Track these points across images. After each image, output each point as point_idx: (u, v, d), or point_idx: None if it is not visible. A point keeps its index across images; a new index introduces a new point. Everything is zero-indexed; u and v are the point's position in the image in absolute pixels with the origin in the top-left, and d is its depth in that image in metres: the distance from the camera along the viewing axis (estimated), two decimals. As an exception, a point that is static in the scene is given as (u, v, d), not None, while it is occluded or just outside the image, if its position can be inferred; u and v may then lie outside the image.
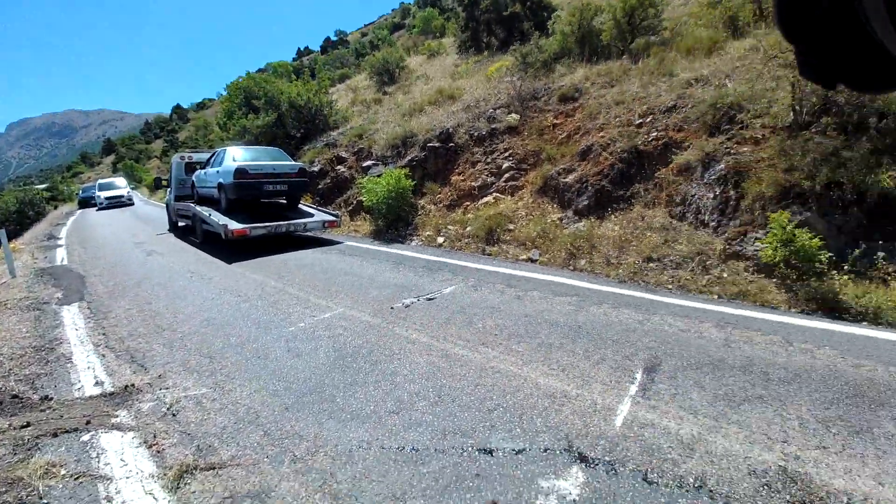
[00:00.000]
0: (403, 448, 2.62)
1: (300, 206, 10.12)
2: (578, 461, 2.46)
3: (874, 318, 3.81)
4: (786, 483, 2.24)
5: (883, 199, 4.36)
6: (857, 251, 4.22)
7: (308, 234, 9.78)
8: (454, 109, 11.45)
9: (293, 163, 9.75)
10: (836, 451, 2.41)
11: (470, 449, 2.60)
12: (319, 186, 12.20)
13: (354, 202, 10.80)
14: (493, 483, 2.34)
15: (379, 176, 9.47)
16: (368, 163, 11.30)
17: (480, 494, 2.27)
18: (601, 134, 7.76)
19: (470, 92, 12.34)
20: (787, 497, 2.17)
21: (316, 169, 12.58)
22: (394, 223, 8.96)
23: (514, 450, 2.57)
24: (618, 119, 7.83)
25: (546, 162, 8.01)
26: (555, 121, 9.14)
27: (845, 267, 4.21)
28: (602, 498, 2.22)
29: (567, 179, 7.40)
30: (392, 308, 4.79)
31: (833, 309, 3.98)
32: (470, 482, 2.35)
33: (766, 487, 2.22)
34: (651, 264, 5.21)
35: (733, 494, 2.20)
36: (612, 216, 6.34)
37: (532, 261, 6.06)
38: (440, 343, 3.90)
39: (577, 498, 2.23)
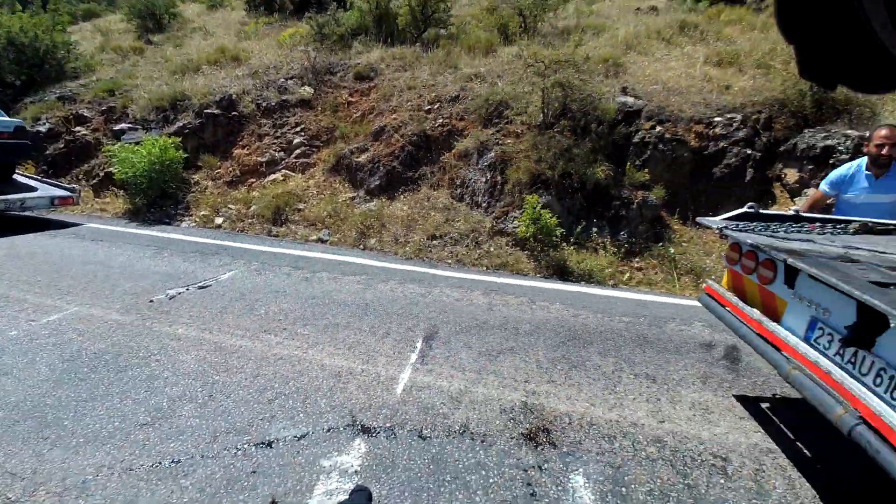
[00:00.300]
0: (160, 463, 2.26)
1: (16, 176, 7.61)
2: (361, 433, 2.53)
3: (589, 278, 5.01)
4: (526, 414, 2.75)
5: (597, 187, 5.71)
6: (579, 227, 5.47)
7: (29, 213, 7.45)
8: (239, 74, 10.18)
9: (5, 118, 7.23)
10: (560, 383, 3.07)
11: (246, 446, 2.41)
12: (49, 152, 9.38)
13: (101, 174, 8.66)
14: (272, 477, 2.22)
15: (138, 143, 7.79)
16: (123, 126, 9.19)
17: (257, 492, 2.13)
18: (394, 116, 7.99)
19: (259, 56, 11.13)
20: (528, 425, 2.66)
21: (43, 129, 9.62)
22: (158, 201, 7.54)
23: (295, 436, 2.49)
24: (409, 103, 8.18)
25: (340, 140, 7.88)
26: (350, 98, 9.02)
27: (571, 240, 5.42)
28: (382, 462, 2.33)
29: (360, 159, 7.42)
30: (152, 301, 4.06)
31: (564, 273, 5.08)
32: (245, 482, 2.18)
33: (512, 421, 2.68)
34: (434, 242, 5.70)
35: (488, 432, 2.59)
36: (402, 196, 6.67)
37: (322, 241, 5.94)
38: (213, 335, 3.48)
39: (358, 468, 2.29)
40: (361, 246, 5.83)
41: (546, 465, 2.37)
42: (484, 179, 6.33)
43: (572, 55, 6.56)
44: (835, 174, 3.40)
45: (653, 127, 6.11)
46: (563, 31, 9.92)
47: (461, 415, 2.71)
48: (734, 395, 3.07)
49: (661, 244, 5.52)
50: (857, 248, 2.49)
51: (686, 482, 2.33)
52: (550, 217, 5.19)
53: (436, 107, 7.88)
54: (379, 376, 3.05)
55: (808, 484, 2.35)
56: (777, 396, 3.09)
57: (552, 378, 3.11)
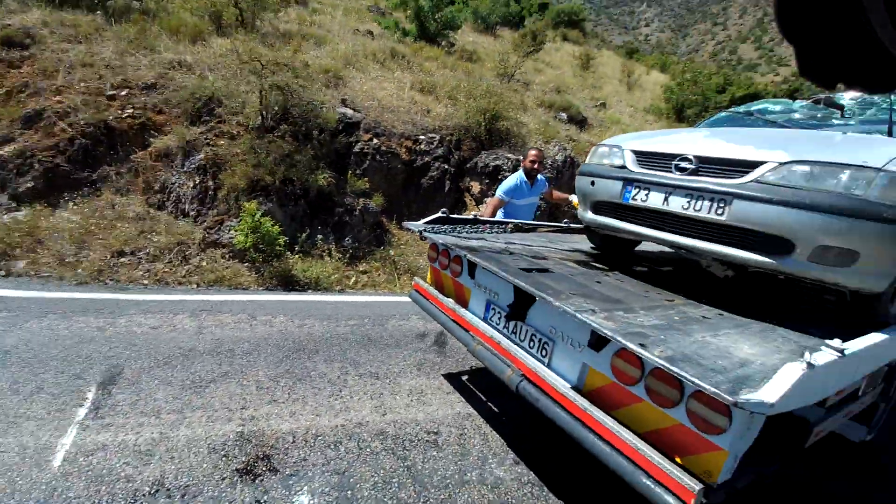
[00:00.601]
0: None
1: None
2: (-21, 544, 1.74)
3: (316, 285, 4.96)
4: (242, 446, 2.45)
5: (320, 195, 5.73)
6: (303, 235, 5.36)
7: None
8: None
9: None
10: (283, 400, 2.87)
11: None
12: None
13: None
14: None
15: None
16: None
17: None
18: (58, 98, 6.07)
19: None
20: (244, 458, 2.37)
21: None
22: None
23: None
24: (84, 84, 6.36)
25: (-43, 122, 5.46)
26: (-18, 67, 6.37)
27: (296, 248, 5.27)
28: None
29: (2, 152, 5.33)
30: None
31: (289, 283, 4.88)
32: None
33: (224, 459, 2.34)
34: (123, 259, 4.57)
35: (192, 481, 2.18)
36: (71, 203, 5.11)
37: (-83, 269, 3.96)
38: None
39: None
40: (2, 272, 4.15)
41: (266, 497, 2.16)
42: (192, 184, 5.48)
43: (292, 59, 6.42)
44: (508, 185, 4.40)
45: (370, 139, 6.57)
46: (285, 34, 9.65)
47: (153, 471, 2.20)
48: (443, 375, 3.53)
49: (382, 248, 5.97)
50: (514, 243, 3.24)
51: (405, 464, 2.52)
52: (272, 225, 4.89)
53: (123, 93, 6.40)
54: (24, 450, 2.19)
55: (497, 435, 2.88)
56: (473, 369, 3.71)
57: (274, 397, 2.89)
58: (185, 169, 5.59)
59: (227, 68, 7.29)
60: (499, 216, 4.35)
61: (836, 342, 1.52)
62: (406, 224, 3.28)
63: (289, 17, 10.76)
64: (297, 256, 5.18)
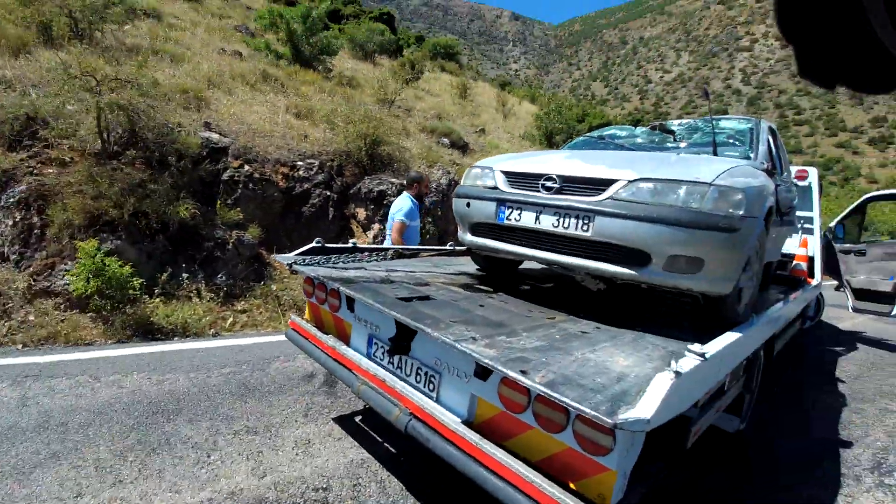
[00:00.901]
0: None
1: None
2: None
3: (183, 331, 4.33)
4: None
5: (183, 228, 5.07)
6: (164, 275, 4.65)
7: None
8: None
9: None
10: (131, 479, 2.37)
11: None
12: None
13: None
14: None
15: None
16: None
17: None
18: None
19: None
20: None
21: None
22: None
23: None
24: None
25: None
26: None
27: (157, 290, 4.55)
28: None
29: None
30: None
31: (148, 332, 4.18)
32: None
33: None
34: None
35: None
36: None
37: None
38: None
39: None
40: None
41: None
42: (11, 222, 4.49)
43: (136, 75, 5.70)
44: (406, 208, 4.40)
45: (241, 166, 6.06)
46: (133, 49, 8.61)
47: None
48: (333, 419, 3.17)
49: (262, 283, 5.47)
50: (396, 270, 3.12)
51: (291, 533, 2.20)
52: (121, 266, 4.18)
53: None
54: None
55: (394, 478, 2.60)
56: (367, 407, 3.42)
57: (120, 477, 2.38)
58: (2, 204, 4.56)
59: (56, 84, 6.24)
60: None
61: (697, 347, 1.61)
62: (276, 257, 2.99)
63: (138, 30, 9.65)
64: (157, 300, 4.47)
